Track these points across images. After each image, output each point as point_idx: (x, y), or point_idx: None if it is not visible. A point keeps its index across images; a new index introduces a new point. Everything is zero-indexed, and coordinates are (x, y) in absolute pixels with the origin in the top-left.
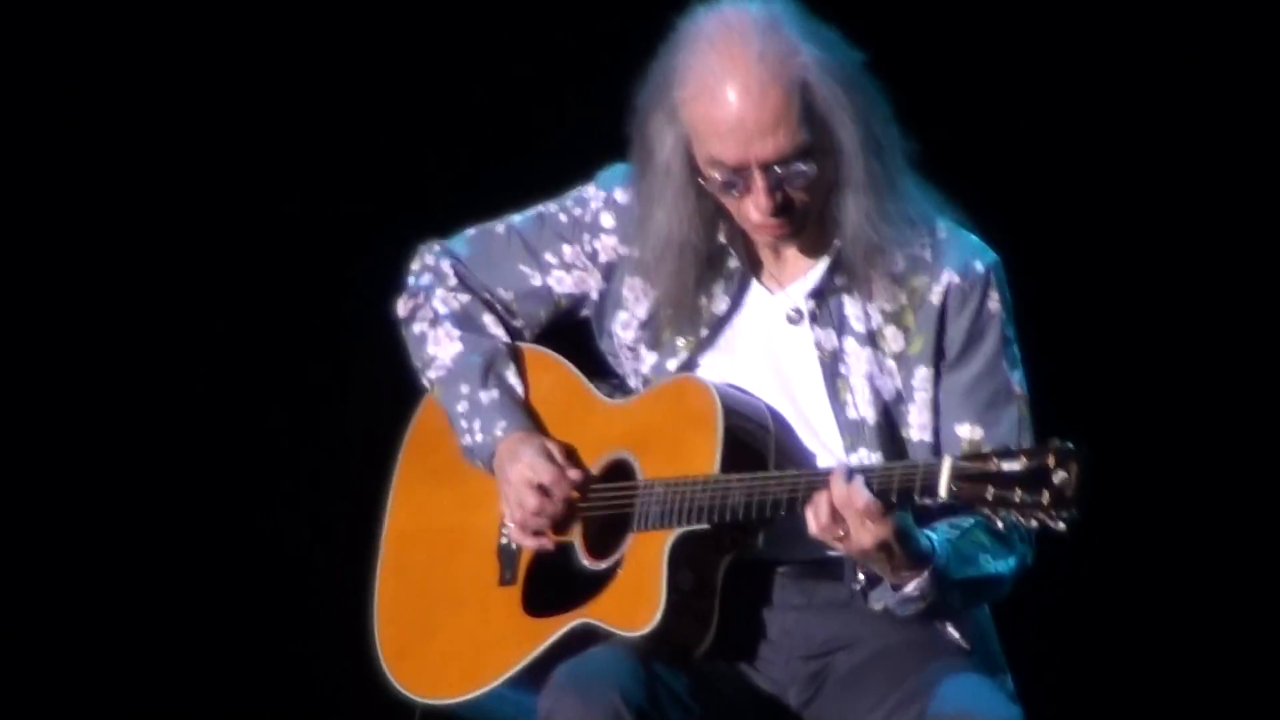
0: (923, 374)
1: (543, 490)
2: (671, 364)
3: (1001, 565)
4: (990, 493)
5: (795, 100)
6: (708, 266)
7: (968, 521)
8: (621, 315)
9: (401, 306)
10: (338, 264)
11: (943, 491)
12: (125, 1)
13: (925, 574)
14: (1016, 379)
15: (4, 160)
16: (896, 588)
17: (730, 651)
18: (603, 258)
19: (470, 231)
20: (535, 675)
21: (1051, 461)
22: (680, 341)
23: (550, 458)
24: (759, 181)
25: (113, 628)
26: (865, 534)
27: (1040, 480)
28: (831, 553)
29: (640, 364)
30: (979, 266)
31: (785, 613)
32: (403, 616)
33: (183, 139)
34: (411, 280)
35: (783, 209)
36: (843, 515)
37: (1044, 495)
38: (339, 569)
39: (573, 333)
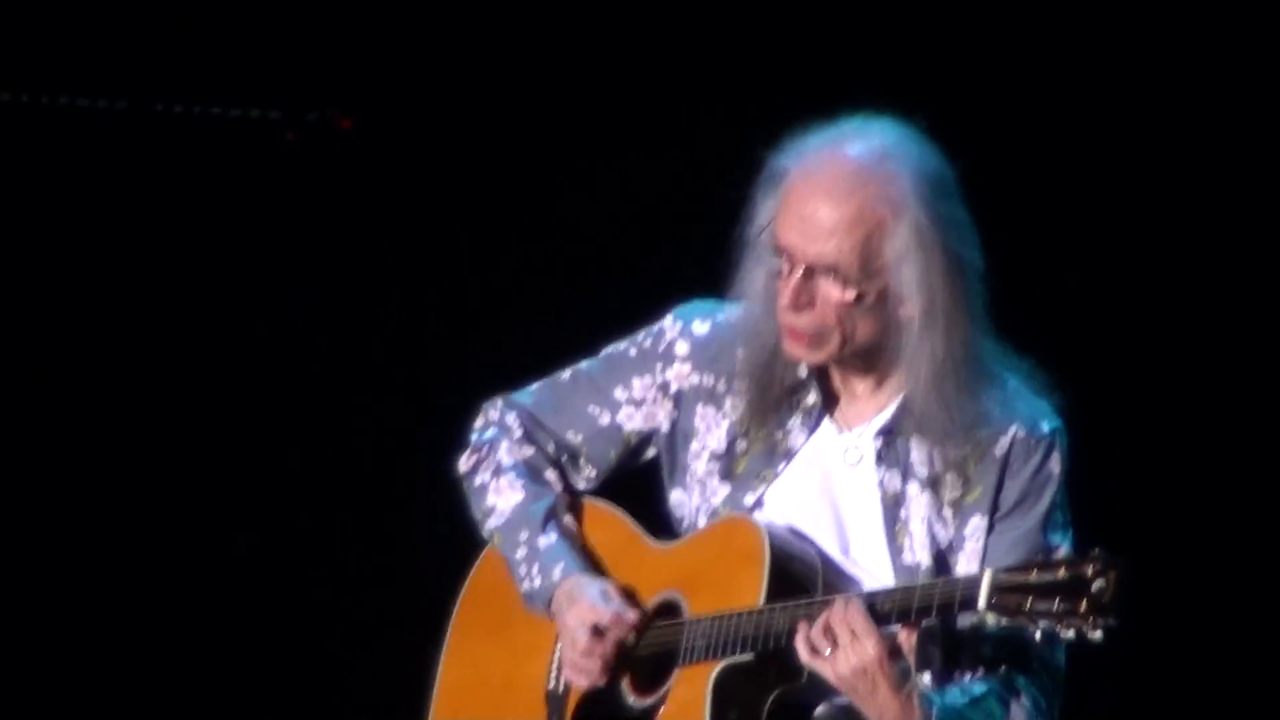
0: (976, 523)
1: (596, 631)
2: (748, 499)
3: None
4: (1029, 604)
5: (863, 228)
6: (788, 396)
7: (980, 689)
8: (693, 445)
9: (464, 462)
10: (402, 420)
11: (982, 603)
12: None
13: None
14: (1058, 542)
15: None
16: None
17: None
18: (674, 387)
19: (535, 384)
20: None
21: (1090, 571)
22: (757, 476)
23: (608, 599)
24: (794, 274)
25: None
26: (851, 654)
27: (1079, 589)
28: None
29: (712, 496)
30: (1045, 427)
31: None
32: None
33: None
34: (475, 436)
35: (803, 312)
36: (835, 631)
37: (1082, 604)
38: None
39: (634, 490)
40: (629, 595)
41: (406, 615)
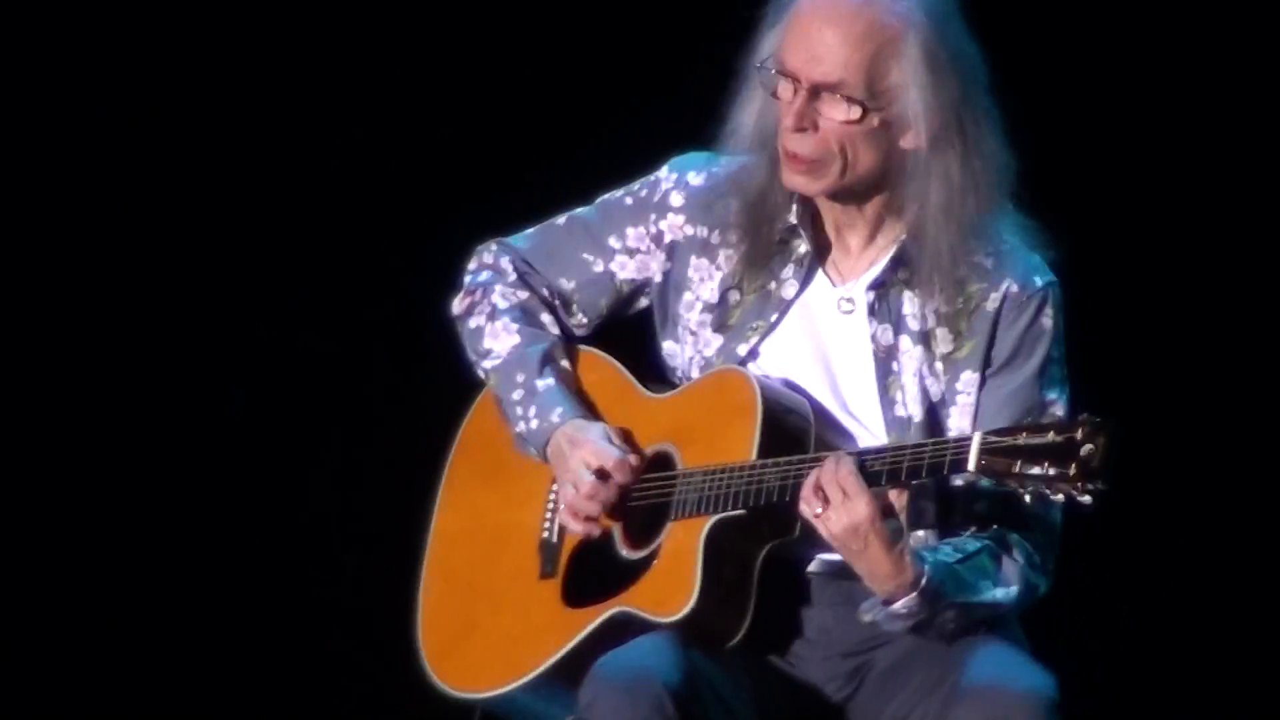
0: (968, 378)
1: (601, 474)
2: (741, 349)
3: (1003, 593)
4: (1018, 466)
5: (871, 46)
6: (780, 246)
7: (974, 545)
8: (686, 296)
9: (457, 304)
10: (393, 261)
11: (971, 465)
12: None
13: (915, 594)
14: (1053, 397)
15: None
16: (887, 603)
17: (768, 648)
18: (668, 238)
19: (530, 230)
20: (577, 668)
21: (1080, 434)
22: (750, 327)
23: (611, 441)
24: (799, 95)
25: (144, 631)
26: (843, 513)
27: (1068, 453)
28: None
29: (705, 348)
30: (1038, 282)
31: (823, 610)
32: (446, 616)
33: (233, 135)
34: (469, 278)
35: (806, 135)
36: (826, 490)
37: (1071, 467)
38: (386, 573)
39: (627, 337)
40: (629, 438)
41: (406, 459)
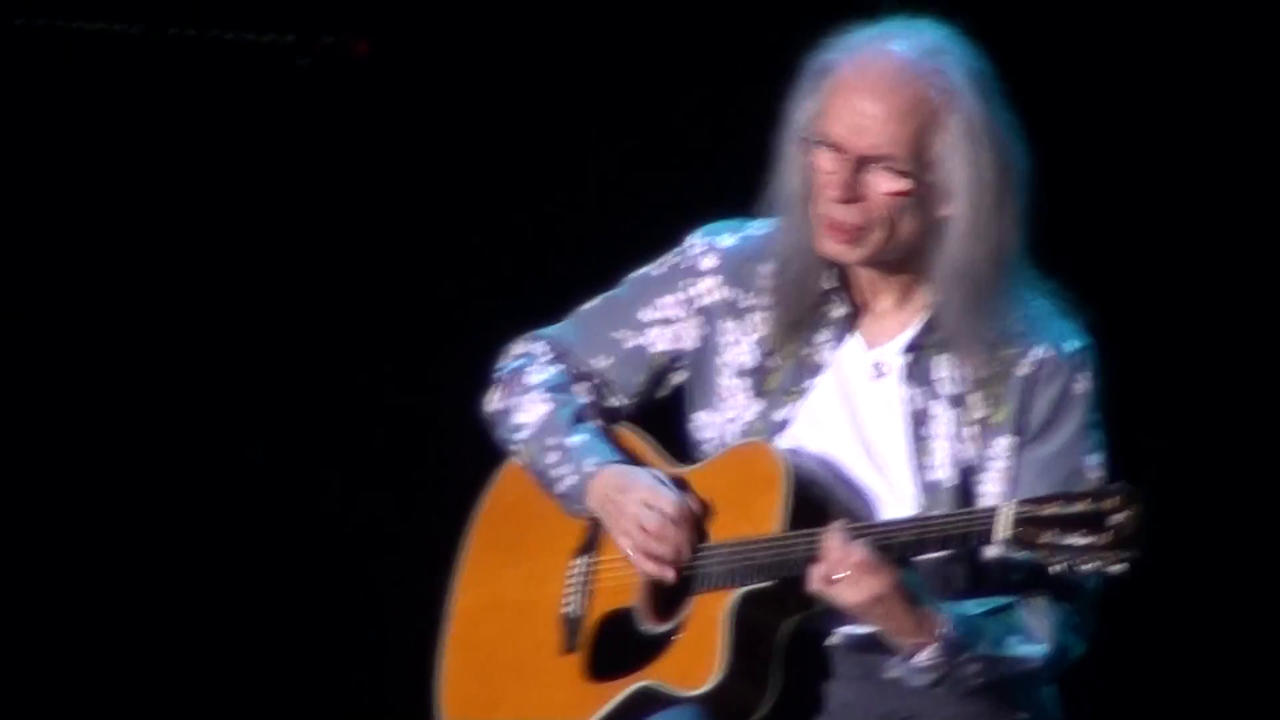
0: (1003, 444)
1: (665, 515)
2: (779, 415)
3: (1032, 649)
4: (1049, 536)
5: (917, 119)
6: (816, 310)
7: (1003, 601)
8: (717, 360)
9: (489, 400)
10: (422, 362)
11: (1000, 535)
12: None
13: (935, 645)
14: (1093, 462)
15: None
16: (909, 657)
17: None
18: (702, 301)
19: (561, 321)
20: None
21: (1111, 504)
22: (787, 393)
23: (666, 484)
24: (844, 166)
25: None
26: (862, 588)
27: (1100, 522)
28: None
29: (744, 413)
30: (1071, 346)
31: (846, 684)
32: (468, 689)
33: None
34: (499, 373)
35: (851, 206)
36: (834, 572)
37: (1103, 537)
38: (409, 646)
39: (654, 414)
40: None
41: (425, 545)
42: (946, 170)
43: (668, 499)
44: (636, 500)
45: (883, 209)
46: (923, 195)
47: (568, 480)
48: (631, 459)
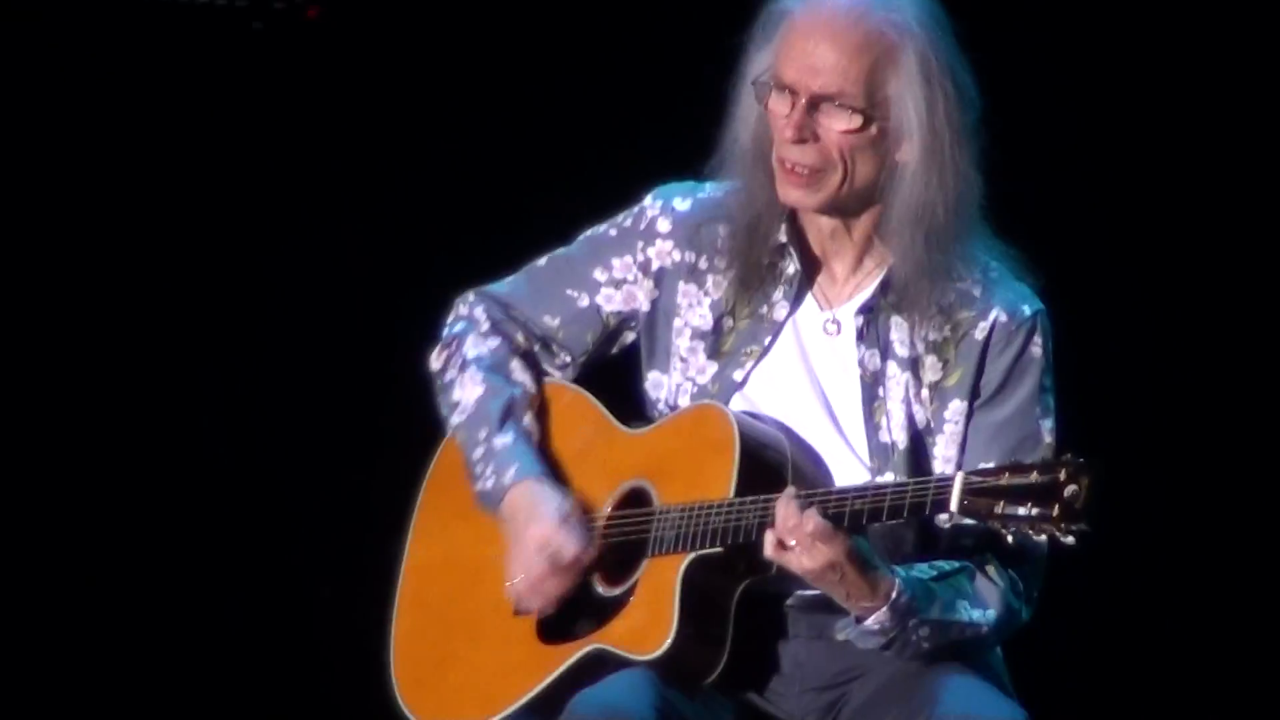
0: (956, 407)
1: (555, 563)
2: (737, 374)
3: (980, 614)
4: (1001, 506)
5: (870, 56)
6: (770, 268)
7: (952, 565)
8: (675, 323)
9: (434, 359)
10: (375, 318)
11: (953, 505)
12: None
13: (885, 608)
14: (1047, 427)
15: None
16: (859, 620)
17: (742, 683)
18: (656, 265)
19: (513, 275)
20: (551, 705)
21: (1063, 475)
22: (744, 352)
23: (568, 523)
24: (797, 107)
25: (129, 655)
26: (816, 555)
27: (1051, 494)
28: None
29: (699, 374)
30: (1027, 310)
31: (797, 644)
32: (419, 648)
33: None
34: (445, 331)
35: (806, 146)
36: (785, 541)
37: (1054, 508)
38: (359, 604)
39: (605, 374)
40: (588, 510)
41: (377, 509)
42: (900, 111)
43: (562, 545)
44: (535, 539)
45: (838, 149)
46: (878, 137)
47: (488, 481)
48: (577, 420)
